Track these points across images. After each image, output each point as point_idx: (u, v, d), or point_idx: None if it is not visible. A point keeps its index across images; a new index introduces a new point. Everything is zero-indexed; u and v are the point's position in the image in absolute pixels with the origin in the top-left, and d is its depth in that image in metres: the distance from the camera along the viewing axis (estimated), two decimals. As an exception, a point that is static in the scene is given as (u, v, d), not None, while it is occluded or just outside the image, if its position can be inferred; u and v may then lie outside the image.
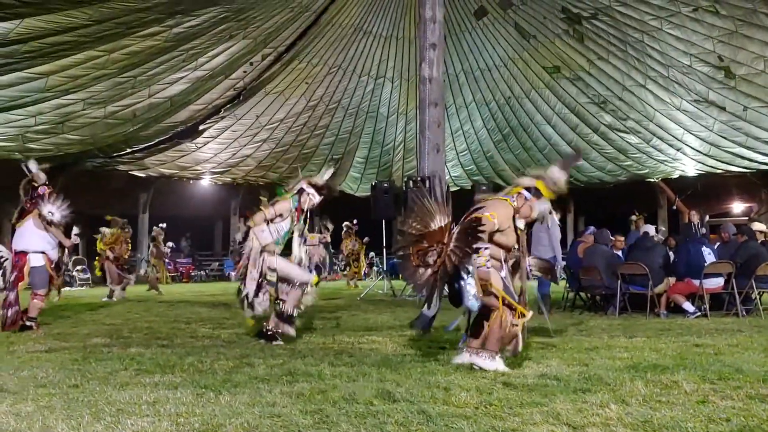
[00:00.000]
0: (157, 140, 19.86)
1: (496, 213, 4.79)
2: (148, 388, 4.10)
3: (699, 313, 8.71)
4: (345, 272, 19.96)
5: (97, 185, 21.38)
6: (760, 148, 18.52)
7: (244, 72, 18.20)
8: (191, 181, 24.23)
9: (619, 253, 10.22)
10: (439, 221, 4.75)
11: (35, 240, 7.52)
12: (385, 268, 17.98)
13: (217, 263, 26.61)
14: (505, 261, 5.01)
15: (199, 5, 14.17)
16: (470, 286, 4.71)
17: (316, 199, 6.45)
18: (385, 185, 14.62)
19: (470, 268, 4.69)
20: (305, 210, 6.46)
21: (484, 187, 14.82)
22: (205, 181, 24.32)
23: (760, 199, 23.29)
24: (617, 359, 5.12)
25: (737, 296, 8.75)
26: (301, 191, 6.42)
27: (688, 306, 8.84)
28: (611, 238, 10.36)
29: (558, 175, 5.09)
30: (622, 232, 11.28)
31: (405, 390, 3.95)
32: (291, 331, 6.26)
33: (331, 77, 20.12)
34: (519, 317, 4.78)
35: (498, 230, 4.80)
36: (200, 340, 6.57)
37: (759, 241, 9.68)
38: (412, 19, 18.05)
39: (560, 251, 9.88)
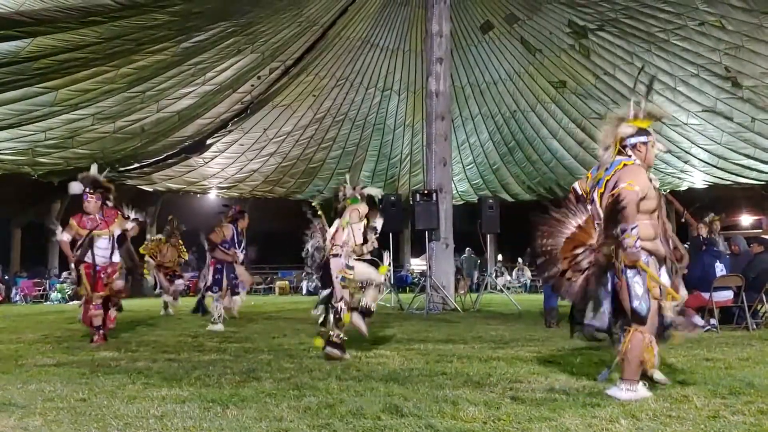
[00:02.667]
0: (165, 155, 19.99)
1: (634, 180, 4.09)
2: (156, 401, 4.09)
3: (708, 327, 8.64)
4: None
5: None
6: (769, 160, 18.49)
7: (252, 86, 18.33)
8: (198, 195, 24.33)
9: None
10: (576, 222, 4.20)
11: None
12: (392, 281, 17.94)
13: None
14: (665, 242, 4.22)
15: (209, 21, 14.30)
16: (637, 284, 4.06)
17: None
18: (392, 198, 14.64)
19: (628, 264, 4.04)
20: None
21: (490, 201, 14.77)
22: (213, 195, 24.41)
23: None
24: (626, 373, 5.07)
25: (747, 310, 8.70)
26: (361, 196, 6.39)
27: (697, 320, 8.77)
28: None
29: (640, 103, 4.30)
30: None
31: (413, 404, 3.93)
32: (363, 328, 6.09)
33: (338, 89, 20.25)
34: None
35: (642, 198, 4.10)
36: (207, 353, 6.56)
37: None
38: (418, 32, 18.18)
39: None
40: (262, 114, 19.97)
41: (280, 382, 4.79)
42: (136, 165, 19.98)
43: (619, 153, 4.31)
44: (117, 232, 7.71)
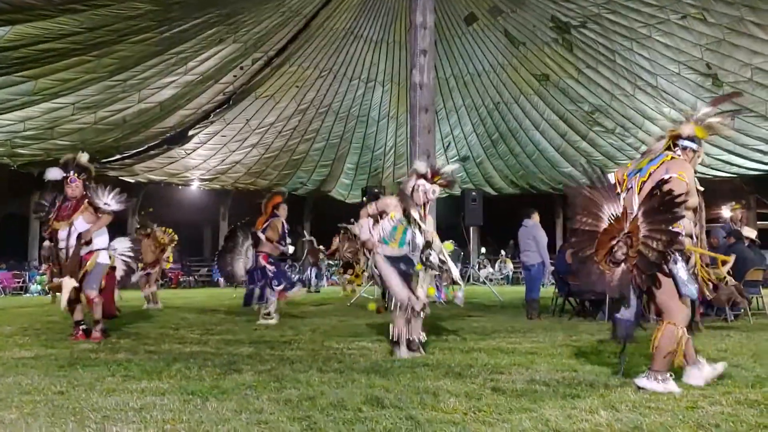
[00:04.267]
0: (147, 146, 19.81)
1: (684, 173, 4.05)
2: (135, 394, 4.05)
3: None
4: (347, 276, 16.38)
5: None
6: (748, 155, 18.69)
7: (234, 76, 18.19)
8: (180, 187, 24.15)
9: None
10: (610, 210, 4.09)
11: None
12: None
13: (206, 269, 26.49)
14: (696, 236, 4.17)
15: (191, 12, 14.15)
16: (682, 270, 3.99)
17: (428, 188, 5.79)
18: (376, 190, 14.61)
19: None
20: (422, 205, 5.83)
21: (474, 194, 14.80)
22: (194, 187, 24.24)
23: (748, 203, 23.51)
24: (606, 365, 5.11)
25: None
26: (414, 187, 5.86)
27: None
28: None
29: (710, 112, 4.27)
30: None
31: (394, 396, 3.93)
32: (402, 354, 5.65)
33: (321, 81, 20.16)
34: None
35: (686, 193, 4.01)
36: (188, 346, 6.51)
37: (746, 245, 9.77)
38: (402, 23, 18.12)
39: (548, 256, 9.91)
40: (244, 105, 19.84)
41: (260, 374, 4.76)
42: (118, 156, 19.79)
43: (668, 148, 4.32)
44: (79, 221, 6.94)
